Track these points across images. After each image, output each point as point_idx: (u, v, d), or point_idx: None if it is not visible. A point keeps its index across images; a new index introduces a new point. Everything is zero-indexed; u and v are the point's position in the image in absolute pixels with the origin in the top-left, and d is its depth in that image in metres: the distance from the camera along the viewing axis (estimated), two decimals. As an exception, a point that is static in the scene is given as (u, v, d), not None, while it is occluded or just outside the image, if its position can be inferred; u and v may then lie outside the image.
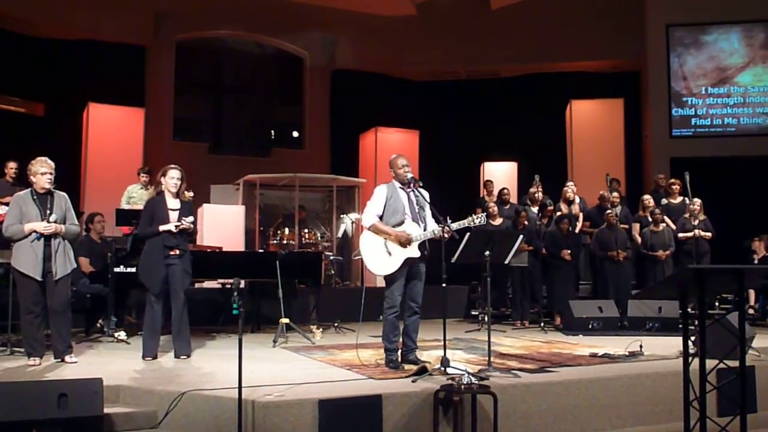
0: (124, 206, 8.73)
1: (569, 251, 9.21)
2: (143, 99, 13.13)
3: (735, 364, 4.30)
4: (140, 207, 6.99)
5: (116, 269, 7.22)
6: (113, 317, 7.17)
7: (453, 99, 14.76)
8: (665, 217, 9.84)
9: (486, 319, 5.98)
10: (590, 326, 8.30)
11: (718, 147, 12.72)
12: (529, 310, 9.52)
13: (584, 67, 14.57)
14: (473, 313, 10.27)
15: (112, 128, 11.26)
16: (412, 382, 4.82)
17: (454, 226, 5.34)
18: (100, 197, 10.14)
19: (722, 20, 13.00)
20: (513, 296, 9.61)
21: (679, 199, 10.22)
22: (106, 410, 4.15)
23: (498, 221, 9.72)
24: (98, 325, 7.60)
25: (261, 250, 10.68)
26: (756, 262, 10.04)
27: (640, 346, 6.40)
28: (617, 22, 13.84)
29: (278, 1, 14.08)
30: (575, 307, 8.50)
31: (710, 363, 4.17)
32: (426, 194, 5.66)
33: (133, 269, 7.05)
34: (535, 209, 9.99)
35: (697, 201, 9.61)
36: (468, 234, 5.61)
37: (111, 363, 5.75)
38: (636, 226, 9.90)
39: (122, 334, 7.01)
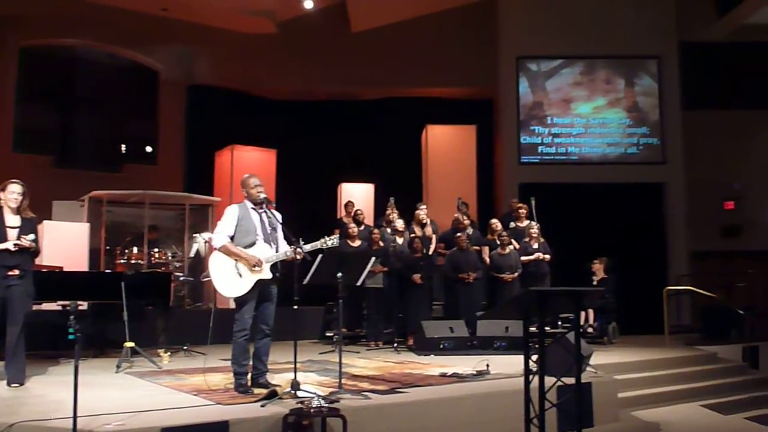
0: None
1: (419, 275, 9.36)
2: (-21, 107, 12.25)
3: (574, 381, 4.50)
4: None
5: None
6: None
7: (312, 119, 14.71)
8: (512, 240, 10.20)
9: (341, 340, 5.97)
10: (441, 346, 8.47)
11: (562, 174, 13.34)
12: (383, 331, 9.58)
13: (440, 94, 15.00)
14: (328, 334, 10.24)
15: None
16: (261, 406, 4.73)
17: (307, 247, 5.31)
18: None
19: (568, 55, 13.72)
20: (368, 317, 9.65)
21: (526, 222, 10.61)
22: None
23: (356, 243, 9.76)
24: None
25: (107, 271, 10.16)
26: (595, 283, 10.53)
27: (487, 365, 6.59)
28: (472, 52, 14.34)
29: (133, 12, 13.60)
30: (427, 328, 8.65)
31: (551, 381, 4.35)
32: (278, 215, 5.61)
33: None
34: (392, 232, 10.13)
35: (536, 225, 10.12)
36: (320, 256, 5.60)
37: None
38: (485, 249, 10.19)
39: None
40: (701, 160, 13.97)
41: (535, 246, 9.96)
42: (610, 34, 13.55)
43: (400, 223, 10.17)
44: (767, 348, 10.22)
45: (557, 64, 13.81)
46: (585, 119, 13.72)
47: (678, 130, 13.65)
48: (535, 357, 4.37)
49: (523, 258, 9.91)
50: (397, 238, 10.02)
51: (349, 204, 11.49)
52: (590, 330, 10.14)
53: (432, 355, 8.27)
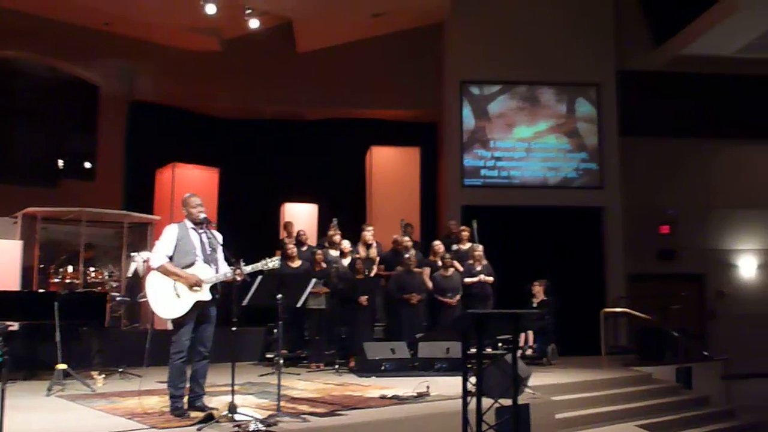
0: None
1: (366, 297, 9.37)
2: None
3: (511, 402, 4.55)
4: None
5: None
6: None
7: (256, 138, 14.61)
8: (455, 262, 10.30)
9: (280, 362, 5.91)
10: (383, 368, 8.47)
11: (504, 196, 13.50)
12: (325, 353, 9.52)
13: (385, 116, 15.06)
14: (268, 356, 10.13)
15: None
16: (198, 430, 4.66)
17: (247, 269, 5.28)
18: None
19: (510, 80, 13.94)
20: (310, 338, 9.59)
21: (468, 245, 10.74)
22: None
23: (297, 263, 9.71)
24: None
25: (40, 290, 9.86)
26: (535, 305, 10.67)
27: (427, 387, 6.60)
28: (417, 75, 14.44)
29: (74, 25, 13.33)
30: (369, 349, 8.65)
31: (489, 402, 4.39)
32: (219, 236, 5.56)
33: None
34: (335, 252, 10.12)
35: (479, 247, 10.26)
36: (260, 277, 5.56)
37: None
38: (426, 271, 10.24)
39: None
40: (638, 185, 14.32)
41: (479, 268, 10.09)
42: (552, 61, 13.81)
43: (346, 244, 10.17)
44: (700, 369, 10.52)
45: (499, 88, 14.03)
46: (526, 143, 13.92)
47: (615, 156, 13.95)
48: (473, 379, 4.40)
49: (467, 279, 10.04)
50: (343, 259, 10.01)
51: (288, 224, 11.44)
52: (529, 351, 10.24)
53: (373, 377, 8.25)
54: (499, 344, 9.93)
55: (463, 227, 11.07)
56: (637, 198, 14.25)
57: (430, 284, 10.06)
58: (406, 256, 10.00)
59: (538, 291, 10.88)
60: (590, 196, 13.80)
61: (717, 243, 14.79)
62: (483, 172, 13.78)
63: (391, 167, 13.57)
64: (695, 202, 14.69)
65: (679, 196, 14.62)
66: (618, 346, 12.58)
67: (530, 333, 10.37)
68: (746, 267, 14.88)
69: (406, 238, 10.68)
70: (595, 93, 14.09)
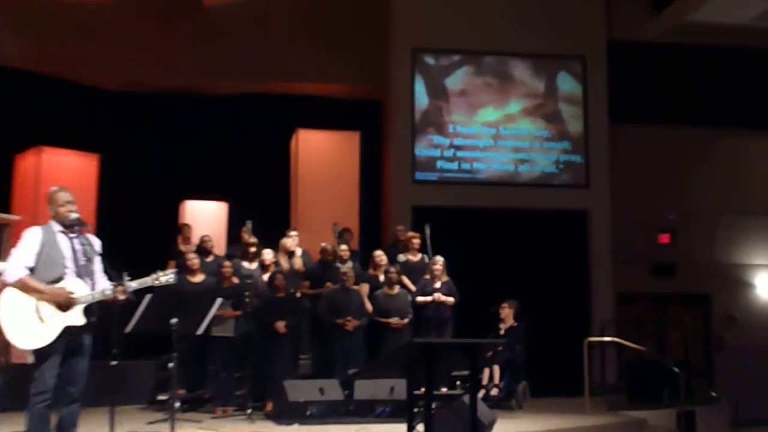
0: None
1: (284, 323, 9.32)
2: None
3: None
4: None
5: None
6: None
7: (148, 117, 14.22)
8: (403, 278, 10.33)
9: (175, 405, 5.86)
10: (308, 413, 8.40)
11: (465, 196, 13.60)
12: (234, 393, 9.43)
13: (316, 91, 14.89)
14: (160, 398, 9.93)
15: None
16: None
17: (133, 285, 5.22)
18: None
19: (475, 49, 14.06)
20: (214, 375, 9.48)
21: (419, 256, 10.80)
22: None
23: (198, 278, 9.61)
24: None
25: None
26: (502, 332, 10.72)
27: (365, 438, 6.60)
28: (357, 41, 14.31)
29: None
30: (291, 389, 8.55)
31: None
32: (97, 243, 5.47)
33: None
34: (252, 265, 10.11)
35: (440, 260, 10.27)
36: (149, 296, 5.51)
37: None
38: (366, 288, 10.23)
39: None
40: (632, 183, 14.55)
41: (437, 285, 10.12)
42: (527, 26, 13.98)
43: (269, 255, 10.15)
44: (706, 413, 10.75)
45: (460, 59, 14.14)
46: (494, 129, 14.04)
47: (605, 147, 14.17)
48: (421, 426, 4.43)
49: (420, 299, 10.08)
50: (263, 273, 9.98)
51: (187, 228, 11.31)
52: (494, 391, 10.23)
53: (296, 425, 8.19)
54: (457, 382, 9.93)
55: (413, 234, 11.10)
56: (631, 200, 14.46)
57: (369, 305, 10.05)
58: (341, 269, 9.96)
59: (507, 315, 10.92)
60: (573, 196, 14.00)
61: (727, 256, 15.13)
62: (439, 164, 13.87)
63: (322, 156, 13.51)
64: (702, 206, 14.98)
65: (682, 198, 14.90)
66: (605, 384, 12.79)
67: (496, 368, 10.36)
68: (762, 286, 15.24)
69: (343, 247, 10.68)
70: (581, 67, 14.30)
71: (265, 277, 9.90)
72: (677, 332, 12.55)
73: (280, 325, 9.29)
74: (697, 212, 14.94)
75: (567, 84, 14.35)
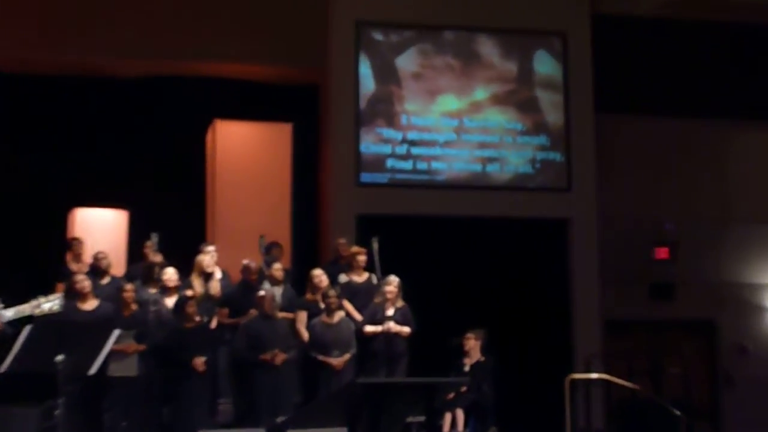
0: None
1: (204, 359, 9.31)
2: None
3: None
4: None
5: None
6: None
7: (28, 104, 13.98)
8: (346, 303, 10.40)
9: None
10: (229, 469, 8.41)
11: (422, 202, 13.62)
12: (138, 446, 9.41)
13: (238, 73, 14.74)
14: (46, 453, 9.88)
15: None
16: None
17: (9, 314, 5.18)
18: None
19: (434, 23, 14.11)
20: (112, 424, 9.43)
21: (365, 276, 10.87)
22: None
23: (91, 304, 9.54)
24: None
25: None
26: (467, 368, 10.81)
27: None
28: (289, 11, 14.23)
29: None
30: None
31: None
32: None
33: None
34: (154, 290, 10.09)
35: (393, 280, 10.33)
36: (29, 327, 5.45)
37: None
38: (302, 316, 10.25)
39: None
40: (622, 186, 14.69)
41: (390, 312, 10.15)
42: (496, -4, 14.08)
43: (171, 275, 10.10)
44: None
45: (415, 34, 14.18)
46: (456, 120, 14.11)
47: (590, 142, 14.26)
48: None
49: (368, 329, 10.13)
50: (166, 298, 9.95)
51: (75, 242, 11.27)
52: (458, 441, 10.30)
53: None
54: (412, 430, 9.94)
55: (357, 248, 11.14)
56: (622, 206, 14.59)
57: (306, 335, 10.09)
58: (260, 293, 9.95)
59: (473, 347, 11.01)
60: (552, 201, 14.11)
61: (737, 274, 15.24)
62: (390, 163, 13.90)
63: (245, 154, 13.50)
64: (707, 213, 15.10)
65: (683, 203, 15.02)
66: (591, 429, 12.78)
67: (459, 412, 10.46)
68: (778, 310, 15.38)
69: (277, 266, 10.74)
70: (561, 45, 14.41)
71: (169, 302, 9.89)
72: (677, 366, 12.62)
73: (199, 362, 9.31)
74: (702, 221, 15.01)
75: (545, 66, 14.42)
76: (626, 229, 14.66)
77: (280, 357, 9.59)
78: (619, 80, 14.81)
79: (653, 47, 15.12)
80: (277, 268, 10.65)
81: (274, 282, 10.46)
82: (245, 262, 10.75)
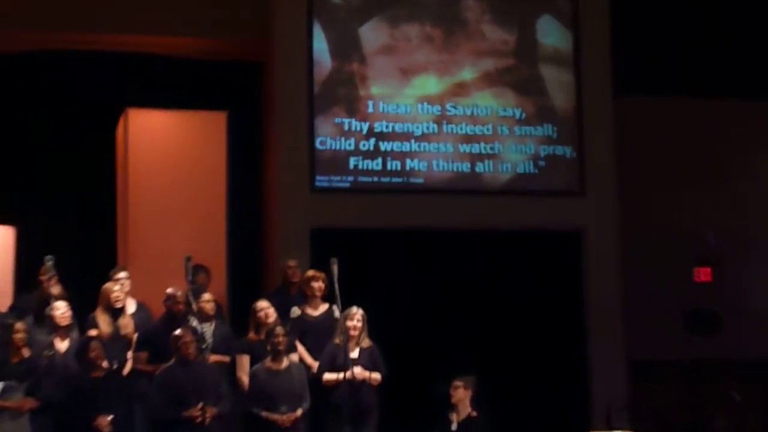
0: None
1: (110, 417, 9.14)
2: None
3: None
4: None
5: None
6: None
7: None
8: (297, 344, 10.25)
9: None
10: None
11: (395, 211, 13.51)
12: None
13: (156, 47, 14.74)
14: None
15: None
16: None
17: None
18: None
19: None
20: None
21: (324, 307, 10.67)
22: None
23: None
24: None
25: None
26: (454, 426, 10.71)
27: None
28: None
29: None
30: None
31: None
32: None
33: None
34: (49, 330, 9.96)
35: (358, 313, 10.17)
36: None
37: None
38: (243, 361, 10.11)
39: None
40: (650, 189, 14.70)
41: (355, 354, 10.05)
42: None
43: (64, 312, 9.91)
44: None
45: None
46: (438, 107, 14.02)
47: (609, 133, 14.20)
48: None
49: (327, 377, 10.02)
50: (61, 341, 9.86)
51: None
52: None
53: None
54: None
55: (313, 272, 10.95)
56: (649, 213, 14.69)
57: (246, 384, 9.96)
58: (177, 333, 9.68)
59: (462, 399, 10.89)
60: (561, 208, 14.02)
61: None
62: (353, 161, 13.82)
63: (167, 152, 13.49)
64: (758, 223, 15.11)
65: (729, 210, 15.04)
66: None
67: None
68: None
69: (206, 297, 10.54)
70: (571, 8, 14.36)
71: (62, 345, 9.77)
72: (724, 419, 12.46)
73: (104, 422, 9.16)
74: (753, 232, 15.09)
75: (551, 34, 14.39)
76: (656, 243, 14.67)
77: (210, 412, 9.36)
78: (646, 53, 14.91)
79: (691, 10, 15.11)
80: (207, 300, 10.51)
81: (203, 317, 10.32)
82: (170, 290, 10.55)
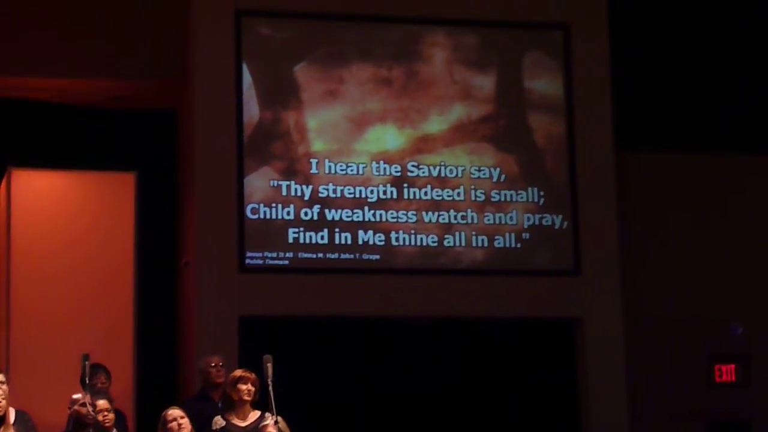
0: None
1: None
2: None
3: None
4: None
5: None
6: None
7: None
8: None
9: None
10: None
11: (345, 296, 13.40)
12: None
13: (44, 93, 14.61)
14: None
15: None
16: None
17: None
18: None
19: (361, 12, 14.02)
20: None
21: (253, 416, 10.27)
22: None
23: None
24: None
25: None
26: None
27: None
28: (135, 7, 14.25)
29: None
30: None
31: None
32: None
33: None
34: None
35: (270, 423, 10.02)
36: None
37: None
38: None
39: None
40: (660, 268, 14.51)
41: None
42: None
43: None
44: None
45: (326, 29, 14.10)
46: (397, 166, 13.95)
47: (609, 196, 14.13)
48: None
49: None
50: None
51: None
52: None
53: None
54: None
55: (241, 372, 10.51)
56: (660, 298, 14.44)
57: None
58: None
59: None
60: (552, 292, 13.90)
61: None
62: (292, 233, 13.65)
63: (59, 222, 13.59)
64: None
65: (756, 293, 14.87)
66: None
67: None
68: None
69: (101, 402, 10.05)
70: (563, 45, 14.32)
71: None
72: None
73: None
74: None
75: (538, 76, 14.41)
76: (668, 334, 14.44)
77: None
78: (652, 100, 14.82)
79: (704, 47, 15.20)
80: (103, 407, 9.95)
81: (99, 430, 9.81)
82: (76, 397, 9.99)
